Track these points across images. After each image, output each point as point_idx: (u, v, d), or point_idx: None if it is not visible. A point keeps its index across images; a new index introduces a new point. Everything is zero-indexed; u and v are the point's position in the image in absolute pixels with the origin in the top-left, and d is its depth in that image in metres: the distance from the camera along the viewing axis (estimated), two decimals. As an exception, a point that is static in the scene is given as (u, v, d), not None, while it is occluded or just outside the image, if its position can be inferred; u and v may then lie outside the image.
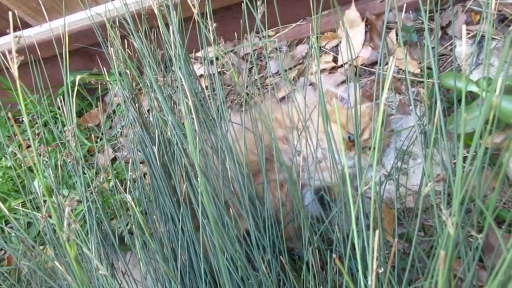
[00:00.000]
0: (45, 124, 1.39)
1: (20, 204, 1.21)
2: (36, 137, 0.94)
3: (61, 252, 0.71)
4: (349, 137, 0.92)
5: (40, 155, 1.35)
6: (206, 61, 0.82)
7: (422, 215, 0.90)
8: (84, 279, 0.38)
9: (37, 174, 0.43)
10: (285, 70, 1.23)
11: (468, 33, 1.02)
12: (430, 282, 0.42)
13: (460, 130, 0.68)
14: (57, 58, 0.96)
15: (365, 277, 0.63)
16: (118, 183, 0.75)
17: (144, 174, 1.05)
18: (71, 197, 0.35)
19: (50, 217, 0.66)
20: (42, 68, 0.93)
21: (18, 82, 0.34)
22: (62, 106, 0.86)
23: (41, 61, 0.97)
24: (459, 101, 0.79)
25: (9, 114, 1.29)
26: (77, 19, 1.30)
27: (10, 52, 0.37)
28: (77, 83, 0.75)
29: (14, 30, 1.12)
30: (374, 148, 0.42)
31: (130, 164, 0.83)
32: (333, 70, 1.18)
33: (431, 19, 1.09)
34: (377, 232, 0.33)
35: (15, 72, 0.33)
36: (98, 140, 1.37)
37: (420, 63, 1.05)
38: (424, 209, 0.90)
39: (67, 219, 0.34)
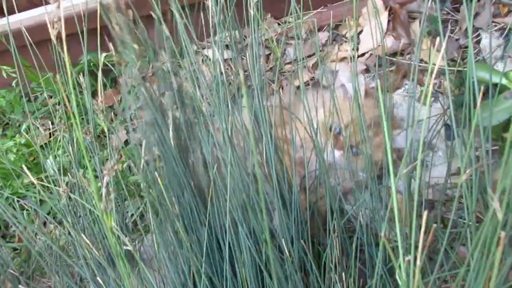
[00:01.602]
0: (58, 103, 1.39)
1: (36, 179, 1.21)
2: (53, 114, 0.93)
3: (79, 228, 0.71)
4: (336, 130, 0.87)
5: (52, 135, 1.35)
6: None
7: (442, 208, 0.89)
8: (117, 250, 0.37)
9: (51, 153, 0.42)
10: (303, 58, 1.21)
11: (495, 26, 1.00)
12: (467, 270, 0.41)
13: (486, 123, 0.67)
14: (73, 37, 0.95)
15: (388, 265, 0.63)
16: (133, 164, 0.74)
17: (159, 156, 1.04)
18: (110, 166, 0.34)
19: (72, 192, 0.65)
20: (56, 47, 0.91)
21: (66, 56, 0.33)
22: (81, 83, 0.86)
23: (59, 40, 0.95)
24: (483, 94, 0.78)
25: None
26: (95, -2, 1.29)
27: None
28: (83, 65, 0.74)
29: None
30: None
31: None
32: (352, 59, 1.17)
33: (457, 10, 1.06)
34: (425, 213, 0.32)
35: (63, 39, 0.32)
36: (111, 121, 1.37)
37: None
38: (444, 202, 0.89)
39: (106, 188, 0.33)
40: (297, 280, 0.51)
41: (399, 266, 0.39)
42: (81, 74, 0.89)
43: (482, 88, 0.52)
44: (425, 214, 0.32)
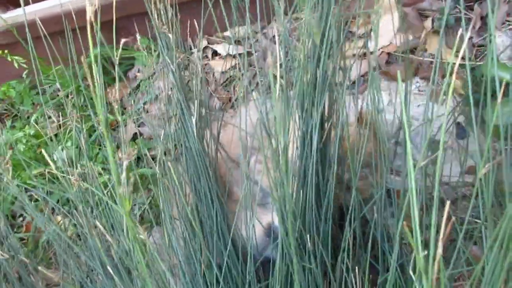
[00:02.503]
0: (67, 96, 1.39)
1: (46, 170, 1.21)
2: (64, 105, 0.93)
3: (90, 217, 0.71)
4: None
5: (60, 126, 1.35)
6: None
7: (451, 206, 0.89)
8: (137, 237, 0.37)
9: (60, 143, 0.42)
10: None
11: (509, 25, 0.99)
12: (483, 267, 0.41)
13: (497, 121, 0.67)
14: (83, 30, 0.95)
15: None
16: (148, 154, 0.75)
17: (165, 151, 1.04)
18: (130, 151, 0.34)
19: (85, 180, 0.66)
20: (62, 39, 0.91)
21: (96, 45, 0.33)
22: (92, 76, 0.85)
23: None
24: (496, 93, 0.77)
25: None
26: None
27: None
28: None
29: None
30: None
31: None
32: (363, 56, 1.16)
33: (470, 8, 1.06)
34: (448, 203, 0.32)
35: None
36: (121, 114, 1.37)
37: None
38: (453, 200, 0.89)
39: (124, 172, 0.33)
40: (316, 273, 0.51)
41: (415, 261, 0.39)
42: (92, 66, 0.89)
43: (503, 85, 0.52)
44: (447, 204, 0.32)
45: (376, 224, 0.63)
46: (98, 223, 0.46)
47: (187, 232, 0.72)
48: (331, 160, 0.65)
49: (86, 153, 0.73)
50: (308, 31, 0.60)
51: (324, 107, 0.65)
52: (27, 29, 0.80)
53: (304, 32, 0.61)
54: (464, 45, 0.47)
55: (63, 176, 1.16)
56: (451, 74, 0.46)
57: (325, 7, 0.61)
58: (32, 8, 1.40)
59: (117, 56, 0.63)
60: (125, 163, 0.33)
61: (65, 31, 1.07)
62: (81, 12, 1.09)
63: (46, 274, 0.92)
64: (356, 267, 0.58)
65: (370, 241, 0.63)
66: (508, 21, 1.01)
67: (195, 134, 0.73)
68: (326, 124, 0.66)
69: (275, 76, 0.54)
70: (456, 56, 0.95)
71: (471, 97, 0.81)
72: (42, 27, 0.87)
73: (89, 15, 0.32)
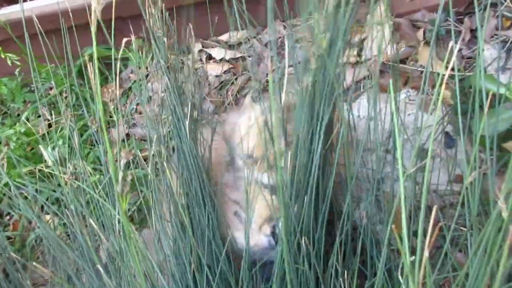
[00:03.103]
0: (60, 94, 1.39)
1: (36, 168, 1.20)
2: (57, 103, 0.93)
3: (81, 215, 0.71)
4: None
5: (51, 125, 1.35)
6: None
7: (439, 214, 0.90)
8: (132, 235, 0.38)
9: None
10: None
11: (497, 38, 1.02)
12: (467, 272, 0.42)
13: (484, 132, 0.68)
14: (77, 29, 0.96)
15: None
16: (140, 154, 0.75)
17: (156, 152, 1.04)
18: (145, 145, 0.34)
19: (76, 179, 0.66)
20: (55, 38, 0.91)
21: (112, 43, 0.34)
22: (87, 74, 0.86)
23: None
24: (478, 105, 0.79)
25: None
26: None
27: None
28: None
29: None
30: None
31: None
32: (356, 64, 1.18)
33: (460, 21, 1.09)
34: (435, 207, 0.33)
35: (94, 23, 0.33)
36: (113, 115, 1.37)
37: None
38: (441, 208, 0.91)
39: (122, 171, 0.34)
40: (309, 277, 0.52)
41: (403, 266, 0.41)
42: (87, 65, 0.89)
43: (490, 96, 0.54)
44: (434, 208, 0.33)
45: (366, 230, 0.64)
46: (92, 221, 0.47)
47: (177, 233, 0.73)
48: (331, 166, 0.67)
49: (79, 152, 0.73)
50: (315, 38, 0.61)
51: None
52: (24, 27, 0.80)
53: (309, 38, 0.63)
54: (454, 57, 0.49)
55: (54, 175, 1.16)
56: (440, 85, 0.48)
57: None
58: (26, 6, 1.40)
59: (118, 56, 0.63)
60: (123, 162, 0.34)
61: (59, 29, 1.08)
62: (75, 12, 1.10)
63: (35, 272, 0.92)
64: (345, 271, 0.59)
65: (359, 246, 0.64)
66: (496, 34, 1.03)
67: (188, 136, 0.73)
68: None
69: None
70: (446, 67, 0.97)
71: (459, 108, 0.83)
72: (39, 25, 0.87)
73: (94, 13, 0.32)
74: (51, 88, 1.48)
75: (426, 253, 0.31)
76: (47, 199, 1.23)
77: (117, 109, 1.43)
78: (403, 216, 0.35)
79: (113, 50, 0.68)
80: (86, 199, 0.71)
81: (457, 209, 0.51)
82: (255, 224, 0.75)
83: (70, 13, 1.00)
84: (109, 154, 0.33)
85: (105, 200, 0.75)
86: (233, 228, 0.78)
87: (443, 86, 0.46)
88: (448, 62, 1.14)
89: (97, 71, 0.83)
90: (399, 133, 0.78)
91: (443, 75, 0.48)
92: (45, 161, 1.32)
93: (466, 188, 0.54)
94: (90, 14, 1.01)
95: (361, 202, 0.73)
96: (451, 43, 0.54)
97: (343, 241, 0.64)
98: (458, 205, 0.79)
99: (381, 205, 0.72)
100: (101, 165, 1.27)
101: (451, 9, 1.09)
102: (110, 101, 0.69)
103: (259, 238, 0.75)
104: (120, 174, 0.34)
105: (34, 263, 0.47)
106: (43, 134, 1.33)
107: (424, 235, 0.33)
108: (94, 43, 0.36)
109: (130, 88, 1.45)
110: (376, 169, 0.72)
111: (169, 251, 0.71)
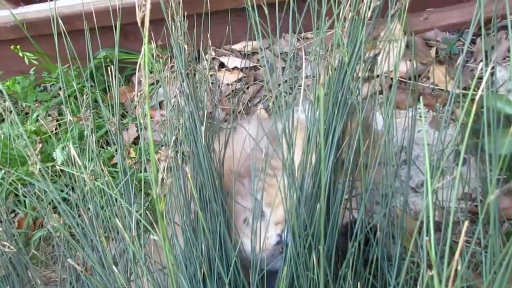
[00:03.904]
0: (71, 95, 1.40)
1: (46, 167, 1.20)
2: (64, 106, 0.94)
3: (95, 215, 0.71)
4: None
5: (60, 126, 1.35)
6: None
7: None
8: (166, 234, 0.38)
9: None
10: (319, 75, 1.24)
11: (509, 60, 1.04)
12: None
13: (496, 152, 0.69)
14: (91, 32, 0.97)
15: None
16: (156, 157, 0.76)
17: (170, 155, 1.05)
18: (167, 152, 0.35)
19: (96, 180, 0.66)
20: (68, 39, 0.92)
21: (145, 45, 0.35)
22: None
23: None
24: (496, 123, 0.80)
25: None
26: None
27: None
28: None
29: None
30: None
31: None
32: (369, 79, 1.19)
33: (473, 42, 1.10)
34: (466, 222, 0.34)
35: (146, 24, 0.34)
36: (123, 117, 1.38)
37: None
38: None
39: (162, 173, 0.34)
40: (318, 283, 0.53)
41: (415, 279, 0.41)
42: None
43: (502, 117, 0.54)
44: (465, 224, 0.34)
45: (378, 242, 0.65)
46: (118, 222, 0.47)
47: (188, 237, 0.73)
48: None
49: (96, 153, 0.74)
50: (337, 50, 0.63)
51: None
52: (54, 24, 0.81)
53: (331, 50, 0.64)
54: (466, 76, 0.50)
55: (62, 174, 1.16)
56: (452, 103, 0.49)
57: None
58: (42, 6, 1.41)
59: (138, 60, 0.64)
60: (163, 164, 0.34)
61: (74, 30, 1.09)
62: (88, 15, 1.11)
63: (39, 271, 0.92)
64: (358, 283, 0.59)
65: (372, 259, 0.64)
66: (508, 56, 1.05)
67: (203, 142, 0.74)
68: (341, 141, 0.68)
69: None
70: (459, 87, 0.98)
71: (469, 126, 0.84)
72: (61, 25, 0.88)
73: (140, 15, 0.33)
74: (60, 88, 1.49)
75: (458, 265, 0.32)
76: (51, 201, 1.24)
77: (126, 112, 1.44)
78: (430, 229, 0.36)
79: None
80: (104, 199, 0.72)
81: (478, 227, 0.52)
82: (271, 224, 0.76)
83: (83, 16, 1.01)
84: (151, 153, 0.34)
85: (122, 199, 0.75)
86: (243, 236, 0.78)
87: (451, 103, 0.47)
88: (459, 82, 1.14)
89: (117, 74, 0.84)
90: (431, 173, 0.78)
91: (456, 93, 0.49)
92: (53, 159, 1.33)
93: (482, 206, 0.55)
94: (109, 17, 1.02)
95: (374, 214, 0.73)
96: (458, 59, 0.55)
97: (355, 252, 0.65)
98: (465, 222, 0.79)
99: (393, 219, 0.72)
100: (109, 166, 1.27)
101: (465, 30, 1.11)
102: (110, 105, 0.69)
103: (270, 236, 0.75)
104: (160, 177, 0.35)
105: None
106: (55, 133, 1.34)
107: (453, 253, 0.34)
108: (116, 49, 0.37)
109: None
110: (388, 183, 0.73)
111: (180, 256, 0.71)
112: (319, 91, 0.68)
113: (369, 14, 0.67)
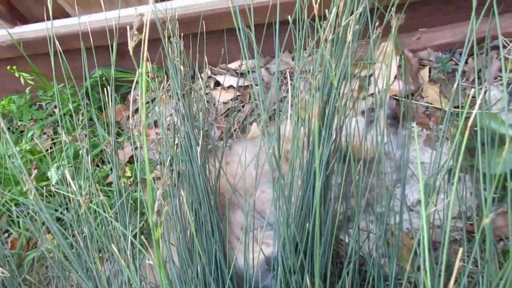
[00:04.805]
0: (66, 114, 1.40)
1: (41, 187, 1.19)
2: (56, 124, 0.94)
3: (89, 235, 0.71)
4: None
5: (55, 144, 1.35)
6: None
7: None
8: (162, 261, 0.38)
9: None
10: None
11: (500, 79, 1.05)
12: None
13: (490, 171, 0.70)
14: (87, 51, 0.98)
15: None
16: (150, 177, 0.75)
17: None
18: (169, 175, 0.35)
19: (91, 201, 0.66)
20: (63, 59, 0.92)
21: (143, 65, 0.35)
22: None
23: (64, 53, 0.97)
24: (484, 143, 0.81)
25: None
26: (120, 15, 1.32)
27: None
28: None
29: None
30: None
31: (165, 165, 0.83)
32: (360, 99, 1.20)
33: (465, 61, 1.12)
34: (460, 249, 0.34)
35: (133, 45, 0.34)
36: (118, 136, 1.38)
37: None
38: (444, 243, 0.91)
39: (159, 200, 0.34)
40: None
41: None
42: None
43: (496, 136, 0.55)
44: (460, 251, 0.34)
45: (374, 262, 0.65)
46: (113, 247, 0.47)
47: (184, 257, 0.72)
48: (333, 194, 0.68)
49: (91, 173, 0.73)
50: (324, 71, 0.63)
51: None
52: (50, 43, 0.81)
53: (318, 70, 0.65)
54: (459, 96, 0.51)
55: (56, 194, 1.15)
56: (445, 122, 0.49)
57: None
58: (38, 26, 1.43)
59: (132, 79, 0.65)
60: (159, 192, 0.34)
61: (70, 50, 1.09)
62: (85, 34, 1.12)
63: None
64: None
65: (368, 279, 0.64)
66: (500, 76, 1.06)
67: (199, 161, 0.74)
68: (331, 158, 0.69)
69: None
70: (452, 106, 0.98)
71: (463, 145, 0.85)
72: (57, 44, 0.88)
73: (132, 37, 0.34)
74: (55, 107, 1.49)
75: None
76: (43, 222, 1.23)
77: (122, 130, 1.44)
78: (425, 250, 0.36)
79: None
80: (99, 219, 0.71)
81: (474, 247, 0.52)
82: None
83: (80, 36, 1.02)
84: (148, 178, 0.34)
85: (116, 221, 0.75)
86: (237, 253, 0.78)
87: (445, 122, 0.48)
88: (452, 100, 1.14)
89: (112, 93, 0.84)
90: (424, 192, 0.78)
91: (449, 112, 0.50)
92: (48, 178, 1.32)
93: (478, 225, 0.55)
94: (105, 37, 1.03)
95: (368, 234, 0.73)
96: (456, 79, 0.55)
97: (350, 272, 0.64)
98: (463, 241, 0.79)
99: (387, 238, 0.72)
100: (104, 185, 1.27)
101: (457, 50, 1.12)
102: (105, 123, 0.70)
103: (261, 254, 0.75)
104: (157, 204, 0.34)
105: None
106: (50, 152, 1.34)
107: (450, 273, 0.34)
108: (113, 69, 0.37)
109: (137, 110, 1.46)
110: (383, 203, 0.73)
111: (175, 276, 0.71)
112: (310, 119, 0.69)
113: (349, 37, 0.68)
